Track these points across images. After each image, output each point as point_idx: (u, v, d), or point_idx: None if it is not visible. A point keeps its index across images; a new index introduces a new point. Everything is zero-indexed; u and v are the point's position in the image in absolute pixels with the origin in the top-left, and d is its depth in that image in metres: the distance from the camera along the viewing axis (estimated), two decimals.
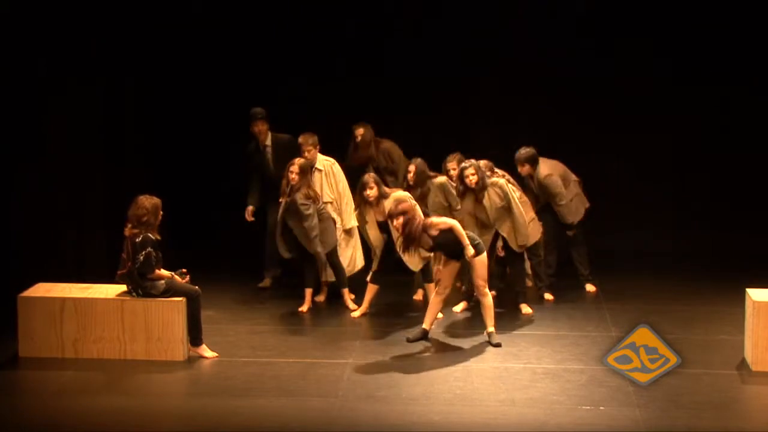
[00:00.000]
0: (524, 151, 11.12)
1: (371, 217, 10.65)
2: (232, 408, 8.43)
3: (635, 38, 12.65)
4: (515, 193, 10.61)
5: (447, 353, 9.74)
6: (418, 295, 11.25)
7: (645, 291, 11.61)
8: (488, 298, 9.96)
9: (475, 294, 10.28)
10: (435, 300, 10.05)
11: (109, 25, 11.55)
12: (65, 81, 11.04)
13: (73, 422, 8.25)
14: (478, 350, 9.78)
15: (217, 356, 9.54)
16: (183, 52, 12.62)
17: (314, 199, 10.66)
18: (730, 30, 12.50)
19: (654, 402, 8.51)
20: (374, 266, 10.77)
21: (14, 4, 10.47)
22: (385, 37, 12.76)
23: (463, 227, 9.89)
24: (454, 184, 10.72)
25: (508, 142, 11.56)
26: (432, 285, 10.56)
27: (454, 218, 10.06)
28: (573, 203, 11.32)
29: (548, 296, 11.32)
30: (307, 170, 10.80)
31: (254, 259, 11.92)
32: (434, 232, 9.76)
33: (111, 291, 9.62)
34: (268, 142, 11.52)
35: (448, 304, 10.64)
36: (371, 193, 10.52)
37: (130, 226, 9.41)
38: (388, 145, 11.70)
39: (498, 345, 9.83)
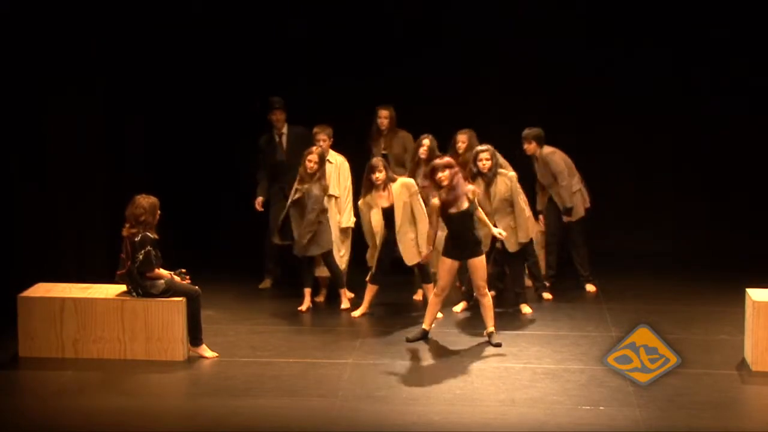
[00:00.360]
0: (532, 129, 11.33)
1: (376, 203, 10.63)
2: (232, 408, 8.42)
3: (635, 38, 12.66)
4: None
5: (447, 353, 9.74)
6: (418, 295, 11.25)
7: (645, 291, 11.61)
8: (488, 298, 9.96)
9: (474, 294, 10.28)
10: (434, 300, 10.05)
11: (109, 25, 11.55)
12: (65, 81, 11.04)
13: (73, 422, 8.25)
14: (478, 350, 9.79)
15: (217, 356, 9.54)
16: (183, 52, 12.61)
17: (325, 189, 10.68)
18: (730, 30, 12.50)
19: (654, 402, 8.51)
20: (372, 261, 10.71)
21: (14, 4, 10.46)
22: (384, 37, 12.75)
23: None
24: (460, 152, 10.87)
25: (508, 141, 11.54)
26: (430, 286, 10.56)
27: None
28: (576, 196, 11.37)
29: (547, 296, 11.33)
30: (324, 160, 10.83)
31: (254, 259, 11.93)
32: (470, 196, 9.76)
33: (111, 291, 9.62)
34: (285, 131, 11.57)
35: (448, 304, 10.65)
36: (380, 176, 10.53)
37: (128, 225, 9.42)
38: (405, 134, 11.70)
39: (498, 345, 9.83)
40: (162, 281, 9.43)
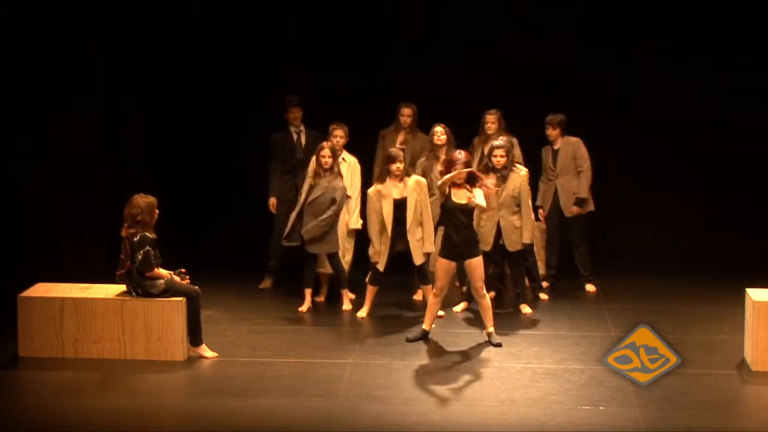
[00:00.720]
0: (556, 115, 11.44)
1: (390, 192, 10.58)
2: (232, 408, 8.43)
3: (635, 38, 12.65)
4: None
5: (447, 353, 9.74)
6: (418, 295, 11.25)
7: (645, 291, 11.62)
8: (486, 299, 9.96)
9: (473, 295, 10.27)
10: (433, 301, 10.05)
11: (109, 25, 11.55)
12: (65, 81, 11.04)
13: (73, 422, 8.25)
14: (478, 350, 9.79)
15: (217, 356, 9.54)
16: (183, 52, 12.61)
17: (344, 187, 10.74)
18: (730, 29, 12.49)
19: (654, 402, 8.51)
20: (377, 257, 10.60)
21: (14, 4, 10.46)
22: (384, 36, 12.75)
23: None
24: (490, 133, 11.12)
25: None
26: (429, 287, 10.56)
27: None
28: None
29: (543, 296, 11.34)
30: (336, 154, 10.81)
31: (254, 259, 11.93)
32: (484, 182, 9.80)
33: (111, 291, 9.63)
34: (302, 128, 11.57)
35: (448, 304, 10.66)
36: (400, 166, 10.50)
37: (126, 225, 9.43)
38: (423, 136, 11.66)
39: (498, 345, 9.83)
40: (162, 281, 9.43)
